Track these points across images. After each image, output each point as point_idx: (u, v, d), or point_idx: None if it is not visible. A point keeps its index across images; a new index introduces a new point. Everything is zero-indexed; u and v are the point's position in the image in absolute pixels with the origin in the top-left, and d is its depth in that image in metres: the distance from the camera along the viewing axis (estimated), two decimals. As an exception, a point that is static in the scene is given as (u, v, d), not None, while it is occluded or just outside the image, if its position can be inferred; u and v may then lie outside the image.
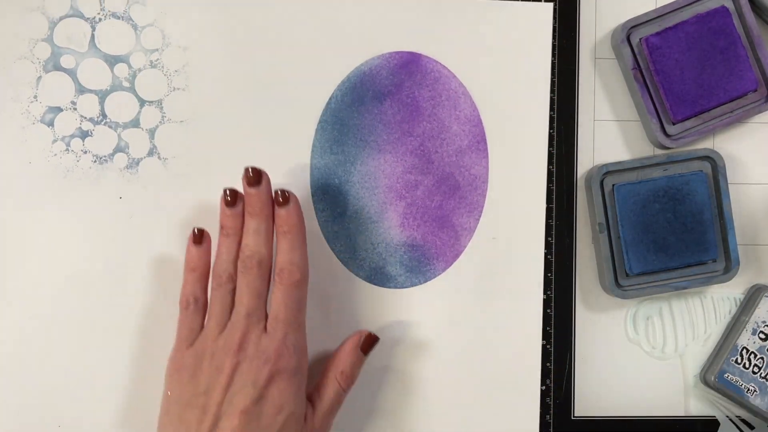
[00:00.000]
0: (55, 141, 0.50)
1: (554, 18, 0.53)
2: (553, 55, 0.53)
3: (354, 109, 0.52)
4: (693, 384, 0.54)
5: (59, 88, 0.50)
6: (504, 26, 0.53)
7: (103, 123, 0.50)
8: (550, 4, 0.53)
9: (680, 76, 0.52)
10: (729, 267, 0.52)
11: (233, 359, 0.44)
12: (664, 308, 0.54)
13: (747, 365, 0.53)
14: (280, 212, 0.46)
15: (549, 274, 0.53)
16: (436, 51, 0.52)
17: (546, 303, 0.53)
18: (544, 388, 0.53)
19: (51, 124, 0.50)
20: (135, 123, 0.51)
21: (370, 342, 0.49)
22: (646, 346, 0.54)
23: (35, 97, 0.50)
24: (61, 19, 0.50)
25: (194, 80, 0.51)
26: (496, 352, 0.52)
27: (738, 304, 0.55)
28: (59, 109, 0.50)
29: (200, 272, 0.48)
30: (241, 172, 0.46)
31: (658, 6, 0.53)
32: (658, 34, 0.52)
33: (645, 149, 0.54)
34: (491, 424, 0.52)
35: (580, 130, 0.54)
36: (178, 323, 0.47)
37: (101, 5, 0.50)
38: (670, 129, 0.53)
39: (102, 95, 0.50)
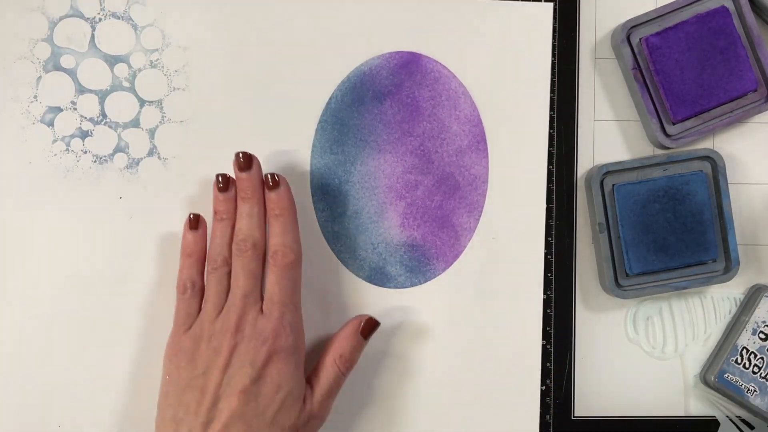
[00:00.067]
0: (55, 141, 0.50)
1: (554, 18, 0.54)
2: (553, 55, 0.54)
3: (354, 109, 0.52)
4: (693, 384, 0.55)
5: (59, 88, 0.50)
6: (504, 26, 0.53)
7: (103, 123, 0.51)
8: (550, 4, 0.53)
9: (680, 76, 0.52)
10: (729, 267, 0.53)
11: (231, 340, 0.45)
12: (664, 308, 0.55)
13: (747, 365, 0.53)
14: (271, 196, 0.48)
15: (549, 274, 0.54)
16: (436, 51, 0.53)
17: (546, 303, 0.53)
18: (544, 388, 0.53)
19: (51, 124, 0.50)
20: (135, 123, 0.51)
21: (370, 326, 0.50)
22: (646, 346, 0.55)
23: (35, 97, 0.50)
24: (61, 19, 0.50)
25: (194, 80, 0.51)
26: (496, 352, 0.53)
27: (738, 304, 0.55)
28: (59, 109, 0.50)
29: (196, 257, 0.49)
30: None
31: (658, 6, 0.53)
32: (658, 34, 0.52)
33: (645, 149, 0.54)
34: (491, 424, 0.53)
35: (580, 130, 0.54)
36: (176, 308, 0.48)
37: (101, 5, 0.51)
38: (670, 129, 0.53)
39: (102, 95, 0.51)
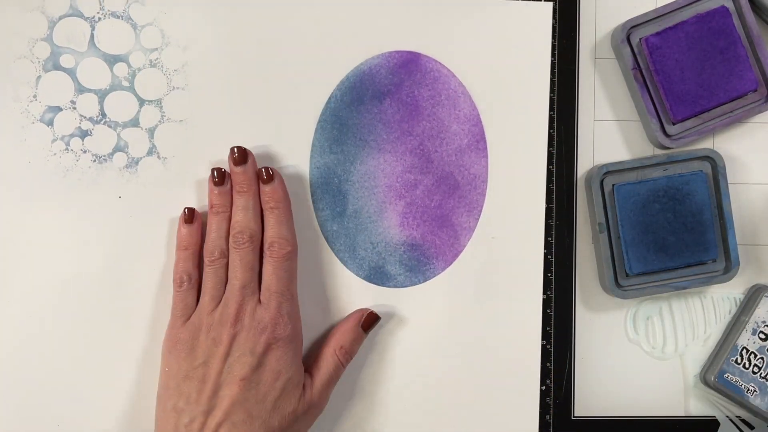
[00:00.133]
0: (54, 140, 0.51)
1: (554, 18, 0.54)
2: (553, 55, 0.54)
3: (353, 109, 0.53)
4: (693, 384, 0.55)
5: (59, 87, 0.51)
6: (503, 25, 0.53)
7: (102, 122, 0.51)
8: (550, 4, 0.54)
9: (680, 76, 0.52)
10: (729, 267, 0.53)
11: (230, 330, 0.47)
12: (664, 308, 0.55)
13: (747, 365, 0.54)
14: (266, 189, 0.49)
15: (549, 274, 0.54)
16: (436, 50, 0.53)
17: (546, 303, 0.54)
18: (544, 388, 0.54)
19: (50, 123, 0.51)
20: (134, 122, 0.51)
21: (371, 320, 0.52)
22: (646, 346, 0.55)
23: (35, 96, 0.51)
24: (60, 18, 0.51)
25: (194, 80, 0.52)
26: (496, 351, 0.53)
27: (738, 304, 0.55)
28: (59, 109, 0.51)
29: (192, 250, 0.50)
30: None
31: (658, 6, 0.54)
32: (658, 34, 0.52)
33: (645, 149, 0.55)
34: (491, 423, 0.53)
35: (580, 130, 0.54)
36: (173, 301, 0.49)
37: (101, 5, 0.51)
38: (670, 129, 0.53)
39: (101, 95, 0.51)
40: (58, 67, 0.51)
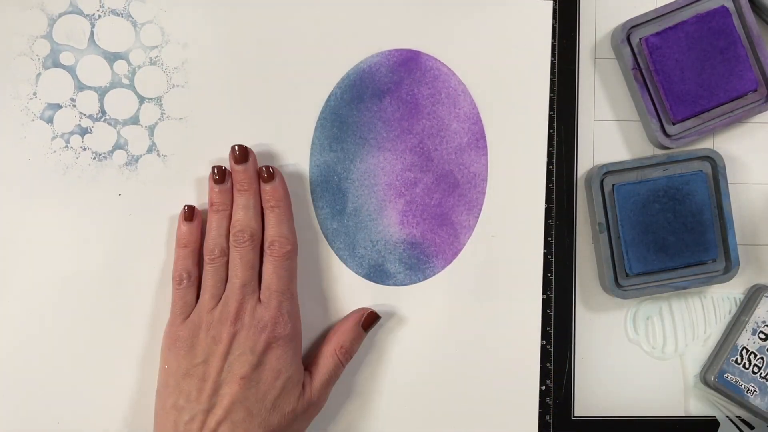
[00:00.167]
0: (54, 138, 0.51)
1: (554, 18, 0.54)
2: (553, 55, 0.54)
3: (353, 107, 0.53)
4: (693, 384, 0.55)
5: (58, 85, 0.51)
6: (503, 23, 0.54)
7: (102, 120, 0.51)
8: (550, 2, 0.54)
9: (680, 76, 0.53)
10: (729, 267, 0.53)
11: (231, 329, 0.47)
12: (664, 308, 0.55)
13: (747, 365, 0.54)
14: (266, 188, 0.50)
15: (549, 274, 0.54)
16: (436, 48, 0.53)
17: (546, 303, 0.54)
18: (544, 388, 0.54)
19: (50, 121, 0.51)
20: (134, 120, 0.52)
21: (371, 320, 0.52)
22: (646, 346, 0.55)
23: (34, 94, 0.51)
24: (60, 16, 0.51)
25: (193, 77, 0.52)
26: (496, 351, 0.53)
27: (738, 304, 0.56)
28: (58, 106, 0.51)
29: (192, 248, 0.50)
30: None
31: (658, 6, 0.54)
32: (658, 34, 0.53)
33: (645, 149, 0.55)
34: (491, 423, 0.53)
35: (580, 130, 0.55)
36: (173, 299, 0.49)
37: (100, 2, 0.51)
38: (670, 129, 0.54)
39: (101, 92, 0.51)
40: (57, 64, 0.51)
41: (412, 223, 0.54)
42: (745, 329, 0.54)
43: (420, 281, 0.54)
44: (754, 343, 0.54)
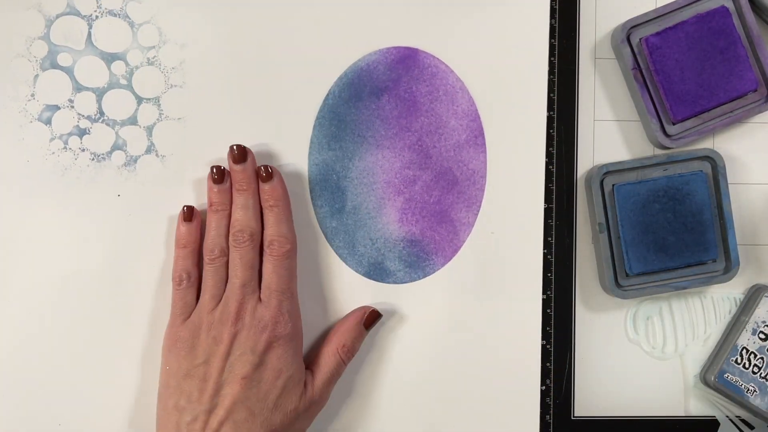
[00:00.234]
0: (52, 139, 0.52)
1: (554, 18, 0.55)
2: (553, 55, 0.55)
3: (351, 105, 0.54)
4: (693, 384, 0.56)
5: (56, 86, 0.52)
6: (501, 20, 0.54)
7: (100, 121, 0.52)
8: (548, -2, 0.55)
9: (680, 76, 0.53)
10: (729, 267, 0.54)
11: (231, 329, 0.48)
12: (664, 308, 0.56)
13: (747, 365, 0.54)
14: (265, 187, 0.51)
15: (549, 274, 0.55)
16: (433, 46, 0.54)
17: (546, 303, 0.55)
18: (544, 388, 0.55)
19: (48, 122, 0.52)
20: (132, 120, 0.52)
21: (372, 318, 0.53)
22: (646, 346, 0.56)
23: (32, 95, 0.52)
24: (57, 17, 0.52)
25: (191, 77, 0.53)
26: (497, 349, 0.54)
27: (738, 304, 0.56)
28: (57, 107, 0.52)
29: (191, 248, 0.51)
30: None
31: (658, 6, 0.54)
32: (658, 34, 0.53)
33: (645, 149, 0.56)
34: (492, 423, 0.54)
35: (580, 130, 0.55)
36: (172, 300, 0.50)
37: (98, 3, 0.52)
38: (670, 129, 0.54)
39: (99, 93, 0.52)
40: (55, 65, 0.52)
41: (411, 221, 0.54)
42: (745, 329, 0.55)
43: (420, 279, 0.54)
44: (754, 343, 0.55)
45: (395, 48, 0.54)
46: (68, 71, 0.52)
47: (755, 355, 0.55)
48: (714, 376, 0.55)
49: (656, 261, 0.54)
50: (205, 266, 0.50)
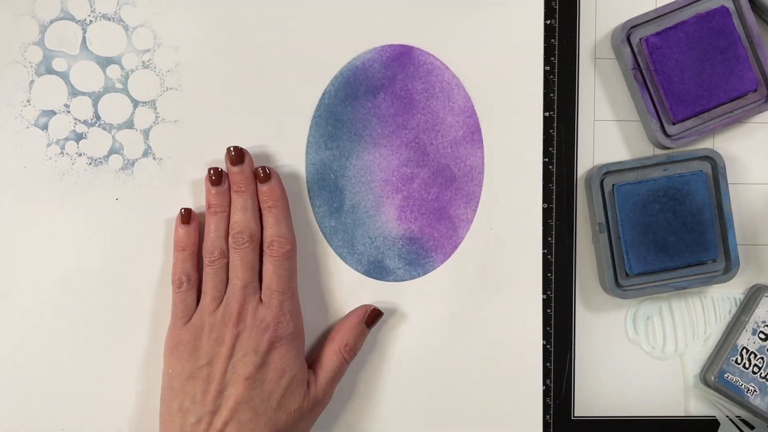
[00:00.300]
0: (49, 144, 0.53)
1: (554, 18, 0.55)
2: (553, 55, 0.55)
3: (348, 104, 0.54)
4: (693, 384, 0.57)
5: (52, 91, 0.52)
6: (495, 16, 0.54)
7: (97, 125, 0.53)
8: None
9: (680, 76, 0.54)
10: (729, 267, 0.54)
11: (233, 330, 0.49)
12: (664, 308, 0.57)
13: (747, 365, 0.55)
14: (263, 188, 0.51)
15: (549, 274, 0.56)
16: (429, 43, 0.54)
17: (546, 303, 0.55)
18: (544, 388, 0.55)
19: (45, 127, 0.52)
20: (129, 124, 0.53)
21: (374, 316, 0.54)
22: (646, 346, 0.56)
23: (28, 101, 0.52)
24: (51, 22, 0.52)
25: (187, 79, 0.53)
26: (498, 348, 0.55)
27: (738, 304, 0.57)
28: (53, 113, 0.53)
29: (190, 251, 0.52)
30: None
31: (658, 6, 0.55)
32: (658, 34, 0.54)
33: (645, 149, 0.56)
34: (494, 423, 0.55)
35: (580, 130, 0.56)
36: (173, 302, 0.51)
37: (91, 7, 0.52)
38: (670, 129, 0.55)
39: (95, 97, 0.53)
40: (50, 70, 0.52)
41: (410, 218, 0.55)
42: (745, 329, 0.55)
43: (420, 276, 0.55)
44: (754, 343, 0.55)
45: (390, 46, 0.54)
46: (63, 76, 0.53)
47: (755, 355, 0.55)
48: (714, 376, 0.55)
49: (656, 261, 0.54)
50: (205, 268, 0.51)
